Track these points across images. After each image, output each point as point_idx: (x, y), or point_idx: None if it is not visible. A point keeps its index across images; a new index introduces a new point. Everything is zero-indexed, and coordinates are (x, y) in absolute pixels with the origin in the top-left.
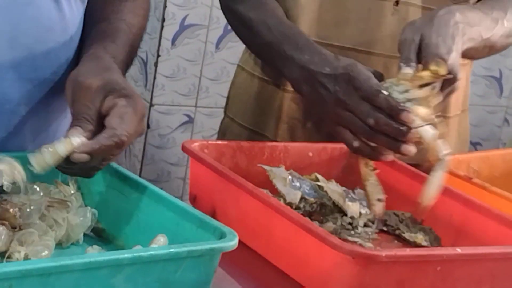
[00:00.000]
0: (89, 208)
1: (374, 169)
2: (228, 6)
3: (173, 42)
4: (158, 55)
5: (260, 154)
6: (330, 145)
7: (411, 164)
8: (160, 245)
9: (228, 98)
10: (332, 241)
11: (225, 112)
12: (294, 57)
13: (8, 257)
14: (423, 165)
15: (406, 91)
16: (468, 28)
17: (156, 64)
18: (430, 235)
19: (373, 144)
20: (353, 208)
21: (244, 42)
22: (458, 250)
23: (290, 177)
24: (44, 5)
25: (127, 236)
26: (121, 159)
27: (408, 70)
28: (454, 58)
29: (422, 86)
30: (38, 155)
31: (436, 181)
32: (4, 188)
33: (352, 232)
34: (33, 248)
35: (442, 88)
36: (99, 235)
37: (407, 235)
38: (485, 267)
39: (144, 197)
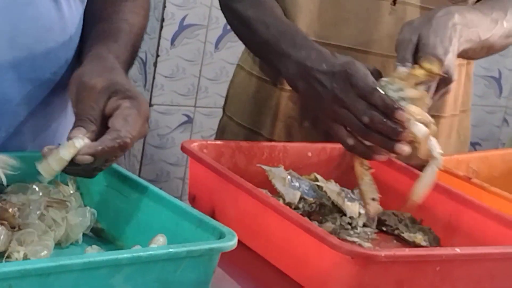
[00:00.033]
0: (88, 208)
1: (369, 168)
2: (227, 4)
3: (172, 42)
4: (157, 55)
5: (259, 154)
6: (329, 145)
7: (410, 165)
8: (159, 245)
9: (226, 97)
10: (331, 241)
11: (223, 111)
12: (291, 54)
13: (7, 257)
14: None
15: (401, 89)
16: (466, 29)
17: (155, 64)
18: (429, 235)
19: (367, 143)
20: (352, 208)
21: (242, 41)
22: (457, 250)
23: (289, 177)
24: (44, 5)
25: (126, 236)
26: (120, 159)
27: (403, 69)
28: (450, 59)
29: (417, 85)
30: (45, 163)
31: (427, 178)
32: None
33: (351, 232)
34: (32, 248)
35: (437, 89)
36: (98, 235)
37: (406, 235)
38: (484, 267)
39: (143, 197)
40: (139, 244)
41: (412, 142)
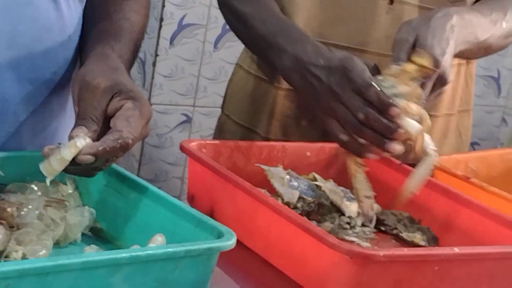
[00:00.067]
0: (87, 207)
1: (363, 166)
2: (225, 2)
3: (171, 41)
4: (156, 55)
5: (258, 153)
6: (328, 145)
7: (409, 164)
8: (158, 244)
9: (225, 95)
10: (329, 241)
11: (222, 109)
12: (287, 48)
13: (6, 257)
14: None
15: (394, 86)
16: (464, 31)
17: (154, 64)
18: (428, 235)
19: (360, 140)
20: (351, 207)
21: (239, 37)
22: (456, 250)
23: (288, 176)
24: (43, 5)
25: (125, 236)
26: (119, 159)
27: (395, 67)
28: (447, 60)
29: (410, 81)
30: (47, 164)
31: (420, 175)
32: None
33: (350, 231)
34: (31, 247)
35: (433, 89)
36: (97, 235)
37: (404, 235)
38: (483, 267)
39: (142, 196)
40: (138, 244)
41: (407, 140)
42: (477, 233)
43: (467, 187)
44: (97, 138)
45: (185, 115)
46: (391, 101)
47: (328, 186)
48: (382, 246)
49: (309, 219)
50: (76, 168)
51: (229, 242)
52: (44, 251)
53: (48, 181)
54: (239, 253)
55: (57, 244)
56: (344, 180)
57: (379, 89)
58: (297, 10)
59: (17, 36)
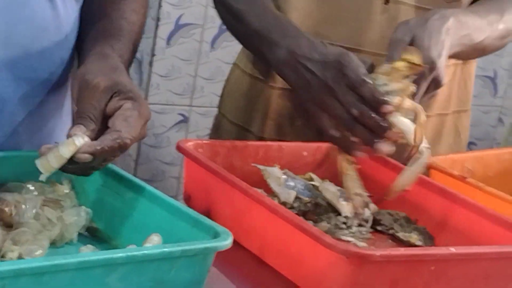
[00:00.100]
0: (83, 207)
1: (354, 163)
2: (221, 0)
3: (168, 41)
4: (153, 55)
5: (255, 153)
6: (324, 145)
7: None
8: (154, 244)
9: (222, 95)
10: (326, 241)
11: (218, 109)
12: (281, 42)
13: (1, 256)
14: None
15: (385, 84)
16: (459, 33)
17: (151, 64)
18: (424, 235)
19: (350, 137)
20: (347, 207)
21: (233, 34)
22: (452, 249)
23: (284, 176)
24: (39, 4)
25: (121, 236)
26: (115, 159)
27: (386, 65)
28: (441, 62)
29: (402, 79)
30: (44, 160)
31: (411, 172)
32: None
33: (346, 231)
34: (27, 247)
35: (427, 91)
36: (94, 235)
37: (401, 235)
38: (479, 267)
39: (138, 196)
40: (134, 244)
41: (398, 140)
42: (473, 233)
43: (463, 187)
44: (95, 137)
45: (182, 115)
46: (384, 98)
47: (325, 186)
48: (378, 246)
49: (305, 219)
50: (73, 167)
51: (226, 242)
52: (40, 251)
53: (43, 178)
54: (236, 253)
55: (53, 244)
56: (340, 180)
57: (373, 86)
58: (292, 9)
59: (13, 36)
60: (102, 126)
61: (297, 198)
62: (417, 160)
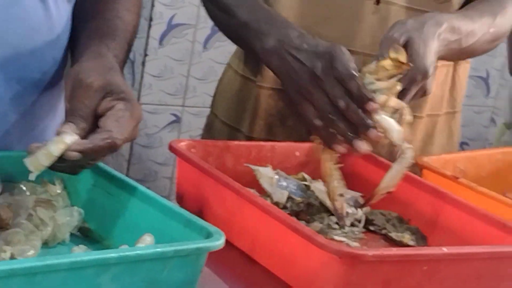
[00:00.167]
0: (75, 207)
1: (337, 163)
2: None
3: (161, 41)
4: (146, 55)
5: (247, 153)
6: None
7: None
8: (146, 244)
9: (214, 95)
10: (318, 241)
11: (211, 109)
12: (270, 32)
13: None
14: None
15: (372, 83)
16: (449, 38)
17: (143, 64)
18: (417, 235)
19: (331, 130)
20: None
21: (221, 27)
22: (445, 249)
23: (276, 176)
24: (31, 4)
25: (113, 236)
26: (107, 159)
27: (372, 64)
28: (431, 70)
29: (388, 78)
30: (33, 158)
31: (395, 173)
32: None
33: (339, 231)
34: (19, 247)
35: (413, 96)
36: (86, 235)
37: (393, 235)
38: (472, 267)
39: (131, 196)
40: (126, 244)
41: (377, 142)
42: (465, 233)
43: (455, 187)
44: (85, 136)
45: (175, 115)
46: (370, 96)
47: (317, 186)
48: (371, 246)
49: (298, 219)
50: (62, 165)
51: (218, 242)
52: (32, 251)
53: (33, 176)
54: (228, 253)
55: (45, 244)
56: (324, 180)
57: (361, 82)
58: (283, 8)
59: (4, 36)
60: (93, 126)
61: (289, 198)
62: (400, 160)
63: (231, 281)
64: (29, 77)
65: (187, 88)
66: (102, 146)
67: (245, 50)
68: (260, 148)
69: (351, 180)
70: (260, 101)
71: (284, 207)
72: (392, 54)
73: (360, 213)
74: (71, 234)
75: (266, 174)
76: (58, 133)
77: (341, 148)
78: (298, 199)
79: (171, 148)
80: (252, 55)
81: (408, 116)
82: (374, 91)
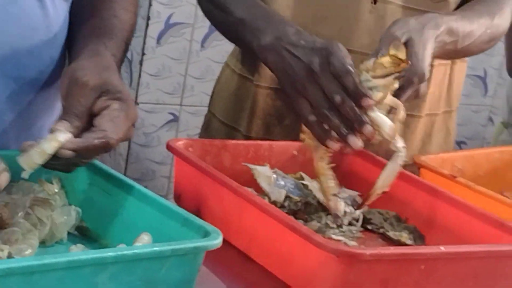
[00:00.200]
0: (73, 206)
1: (330, 163)
2: None
3: (158, 40)
4: (143, 54)
5: (245, 152)
6: None
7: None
8: (144, 243)
9: (212, 94)
10: (316, 240)
11: (208, 108)
12: (267, 29)
13: None
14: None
15: (368, 80)
16: (445, 40)
17: (141, 63)
18: (414, 234)
19: (325, 126)
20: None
21: (216, 25)
22: (442, 248)
23: (274, 175)
24: (28, 3)
25: (111, 235)
26: (105, 158)
27: (369, 61)
28: (428, 74)
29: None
30: (26, 156)
31: (390, 171)
32: None
33: (337, 230)
34: (17, 246)
35: (408, 98)
36: (83, 234)
37: (391, 234)
38: (469, 266)
39: (128, 195)
40: (124, 243)
41: (370, 140)
42: (463, 232)
43: (453, 186)
44: (79, 134)
45: (172, 114)
46: (366, 92)
47: (315, 185)
48: (368, 245)
49: (296, 218)
50: (55, 163)
51: (216, 241)
52: (30, 250)
53: (26, 174)
54: (226, 252)
55: (43, 243)
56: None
57: (357, 78)
58: (279, 7)
59: (2, 35)
60: (88, 124)
61: (287, 197)
62: (394, 159)
63: (228, 280)
64: (26, 76)
65: (184, 87)
66: (95, 145)
67: (242, 47)
68: (258, 147)
69: (349, 179)
70: (257, 100)
71: (282, 206)
72: (392, 51)
73: (357, 212)
74: (69, 233)
75: (264, 173)
76: (52, 131)
77: (334, 145)
78: (296, 198)
79: (169, 147)
80: (248, 52)
81: (402, 114)
82: (371, 88)
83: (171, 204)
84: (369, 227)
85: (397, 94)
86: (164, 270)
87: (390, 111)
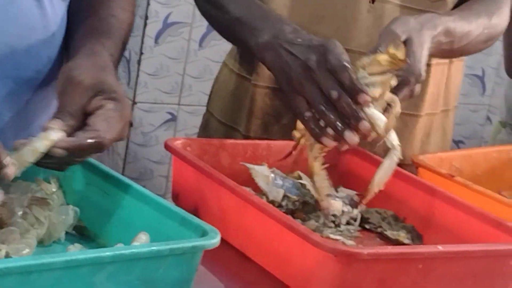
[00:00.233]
0: (71, 206)
1: (324, 163)
2: None
3: (156, 40)
4: (141, 53)
5: (243, 152)
6: None
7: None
8: (142, 243)
9: (210, 93)
10: (314, 239)
11: (207, 107)
12: (264, 27)
13: None
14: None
15: (365, 77)
16: (441, 40)
17: (139, 62)
18: (412, 233)
19: (321, 123)
20: (336, 206)
21: (213, 23)
22: (440, 248)
23: (272, 175)
24: (25, 3)
25: (109, 234)
26: (103, 157)
27: (366, 58)
28: (424, 74)
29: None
30: (18, 154)
31: (385, 170)
32: None
33: (335, 230)
34: (14, 246)
35: (403, 98)
36: (81, 233)
37: (389, 233)
38: (467, 265)
39: (126, 195)
40: (122, 242)
41: (366, 136)
42: (461, 231)
43: (451, 186)
44: (72, 133)
45: (170, 113)
46: (362, 88)
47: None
48: (366, 245)
49: (293, 217)
50: (48, 162)
51: (214, 241)
52: (27, 250)
53: (18, 173)
54: (224, 251)
55: (40, 243)
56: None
57: (354, 75)
58: (276, 6)
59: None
60: (82, 123)
61: (285, 196)
62: (389, 157)
63: (226, 280)
64: (24, 75)
65: (182, 87)
66: (88, 144)
67: (239, 46)
68: (256, 147)
69: (346, 178)
70: (256, 100)
71: (280, 206)
72: (392, 50)
73: (355, 211)
74: (67, 233)
75: (262, 173)
76: (45, 129)
77: (330, 142)
78: (294, 197)
79: (167, 147)
80: (246, 51)
81: (398, 108)
82: (367, 85)
83: (169, 203)
84: (367, 226)
85: (393, 93)
86: (162, 269)
87: (386, 110)
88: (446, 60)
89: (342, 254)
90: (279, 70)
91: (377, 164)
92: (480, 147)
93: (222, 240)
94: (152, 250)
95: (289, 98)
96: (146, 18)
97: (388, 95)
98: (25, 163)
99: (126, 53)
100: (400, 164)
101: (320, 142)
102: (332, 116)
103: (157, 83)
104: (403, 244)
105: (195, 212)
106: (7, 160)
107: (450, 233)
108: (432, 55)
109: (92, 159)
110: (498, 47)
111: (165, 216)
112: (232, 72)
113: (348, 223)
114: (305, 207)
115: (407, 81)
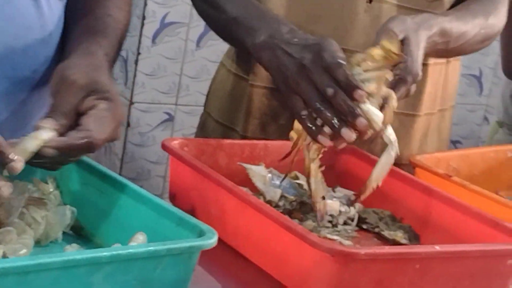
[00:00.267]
0: (68, 206)
1: (320, 166)
2: None
3: (154, 40)
4: (139, 53)
5: (240, 152)
6: None
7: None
8: (139, 243)
9: (207, 93)
10: (311, 239)
11: (204, 107)
12: (261, 27)
13: None
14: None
15: (360, 74)
16: (437, 41)
17: (136, 62)
18: (409, 233)
19: (318, 122)
20: (333, 206)
21: (210, 23)
22: (437, 248)
23: (270, 175)
24: (22, 3)
25: (106, 234)
26: (100, 157)
27: (360, 55)
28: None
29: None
30: None
31: (382, 165)
32: None
33: (332, 230)
34: (11, 246)
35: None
36: (78, 234)
37: (386, 233)
38: (464, 265)
39: (123, 195)
40: (119, 242)
41: (363, 134)
42: (458, 231)
43: (448, 186)
44: (64, 133)
45: (168, 113)
46: (358, 84)
47: None
48: (363, 245)
49: (291, 217)
50: (39, 161)
51: (211, 241)
52: (24, 250)
53: (6, 173)
54: (221, 251)
55: (38, 243)
56: (326, 178)
57: (349, 71)
58: (273, 6)
59: None
60: (74, 123)
61: (282, 196)
62: (386, 153)
63: (223, 280)
64: (21, 75)
65: (180, 87)
66: (79, 144)
67: (236, 46)
68: (253, 147)
69: (344, 178)
70: (253, 100)
71: (277, 206)
72: (386, 43)
73: (353, 211)
74: (64, 233)
75: (259, 173)
76: (37, 128)
77: (326, 141)
78: (291, 197)
79: (164, 147)
80: (243, 51)
81: (394, 102)
82: (362, 81)
83: (166, 203)
84: (364, 226)
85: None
86: (159, 269)
87: (383, 106)
88: (444, 60)
89: (339, 254)
90: (275, 70)
91: (374, 164)
92: (478, 147)
93: (219, 240)
94: (149, 250)
95: (286, 98)
96: (143, 18)
97: (384, 90)
98: None
99: (123, 53)
100: (398, 164)
101: (317, 141)
102: (328, 114)
103: (155, 83)
104: (400, 244)
105: (192, 212)
106: (13, 154)
107: (447, 233)
108: (427, 55)
109: (89, 159)
110: (496, 47)
111: (162, 216)
112: (229, 72)
113: (345, 223)
114: (302, 207)
115: (404, 80)
